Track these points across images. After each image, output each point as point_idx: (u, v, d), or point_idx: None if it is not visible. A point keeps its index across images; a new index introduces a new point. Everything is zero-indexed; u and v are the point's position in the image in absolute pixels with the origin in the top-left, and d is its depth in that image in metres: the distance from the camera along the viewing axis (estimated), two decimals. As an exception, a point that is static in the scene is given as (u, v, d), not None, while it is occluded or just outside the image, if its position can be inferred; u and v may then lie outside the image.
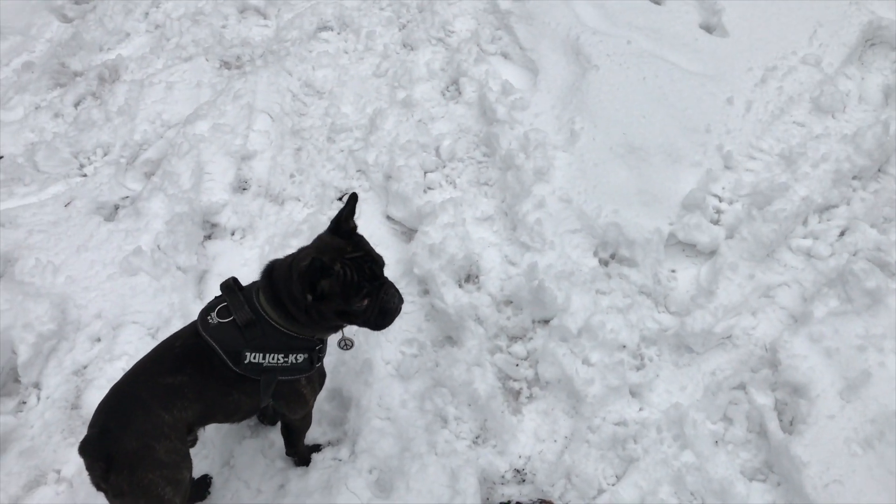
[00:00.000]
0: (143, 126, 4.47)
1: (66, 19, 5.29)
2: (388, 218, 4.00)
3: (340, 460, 3.03)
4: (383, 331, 3.31)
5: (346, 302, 2.42)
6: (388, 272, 3.64)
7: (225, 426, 3.11)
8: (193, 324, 2.57)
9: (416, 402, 3.20)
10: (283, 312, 2.50)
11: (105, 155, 4.35)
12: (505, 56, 4.81)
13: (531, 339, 3.47)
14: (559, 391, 3.27)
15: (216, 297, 2.61)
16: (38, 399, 3.25)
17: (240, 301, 2.54)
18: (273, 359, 2.50)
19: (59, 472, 3.05)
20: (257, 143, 4.27)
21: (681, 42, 4.61)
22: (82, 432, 3.10)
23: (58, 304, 3.44)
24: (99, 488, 2.35)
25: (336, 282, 2.39)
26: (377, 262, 2.51)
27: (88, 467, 2.31)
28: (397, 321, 3.41)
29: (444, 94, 4.63)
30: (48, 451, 3.10)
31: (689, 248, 3.75)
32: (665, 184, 3.88)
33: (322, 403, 3.19)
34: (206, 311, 2.56)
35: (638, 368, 3.34)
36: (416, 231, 3.80)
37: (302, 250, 2.53)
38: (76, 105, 4.67)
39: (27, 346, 3.27)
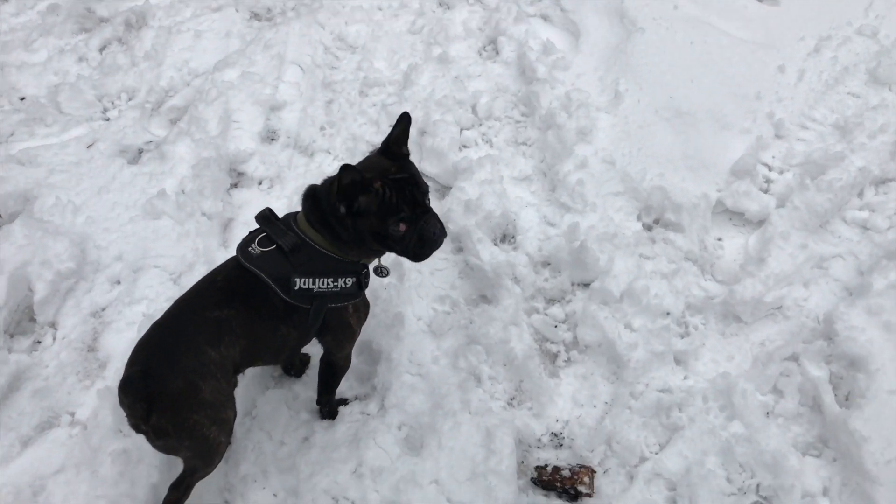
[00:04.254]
0: (170, 72, 4.31)
1: (92, -37, 5.14)
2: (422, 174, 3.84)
3: (369, 415, 2.88)
4: (416, 286, 3.28)
5: (382, 223, 2.29)
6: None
7: (249, 372, 2.96)
8: (232, 258, 2.43)
9: (449, 360, 3.05)
10: (328, 234, 2.39)
11: (130, 99, 4.20)
12: (545, 18, 4.62)
13: (570, 301, 3.31)
14: (599, 355, 3.11)
15: (251, 232, 2.48)
16: (54, 339, 3.11)
17: (281, 228, 2.41)
18: (323, 283, 2.38)
19: (73, 414, 2.91)
20: (287, 94, 4.11)
21: (729, 9, 4.43)
22: (99, 375, 3.02)
23: (77, 244, 3.29)
24: (138, 430, 2.21)
25: (374, 198, 2.26)
26: (420, 187, 2.36)
27: (129, 407, 2.16)
28: (429, 276, 3.36)
29: (480, 54, 4.46)
30: (62, 392, 2.96)
31: (737, 217, 3.58)
32: (713, 149, 3.71)
33: (350, 357, 3.04)
34: (245, 244, 2.42)
35: (682, 336, 3.18)
36: (450, 188, 3.64)
37: (344, 167, 2.39)
38: (101, 50, 4.52)
39: (44, 283, 3.12)
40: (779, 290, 3.18)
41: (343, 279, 2.42)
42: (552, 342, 3.19)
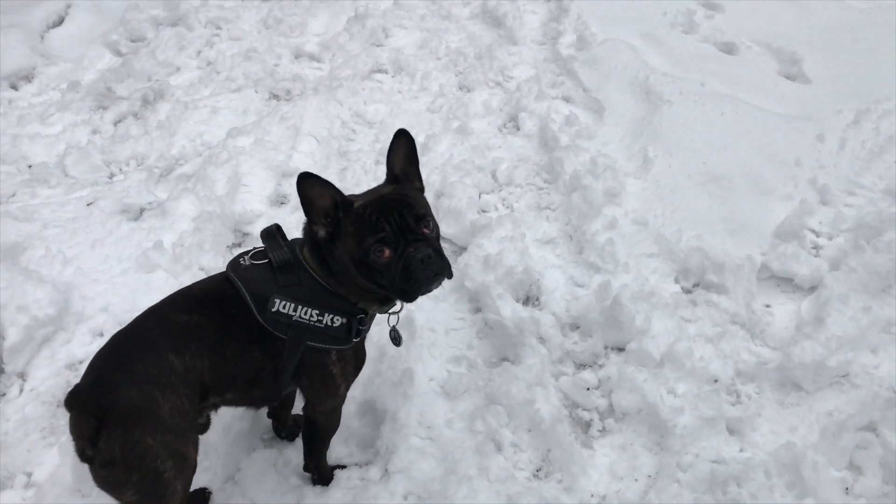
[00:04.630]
0: (182, 142, 4.19)
1: (118, 54, 5.19)
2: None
3: (369, 481, 2.44)
4: (428, 345, 2.93)
5: (359, 245, 1.93)
6: (435, 290, 3.23)
7: (234, 429, 2.57)
8: (221, 272, 2.13)
9: (465, 422, 2.64)
10: (318, 263, 2.06)
11: (138, 165, 4.05)
12: (567, 100, 4.52)
13: (603, 366, 2.92)
14: (639, 423, 2.69)
15: (253, 248, 2.19)
16: (21, 391, 2.75)
17: (279, 244, 2.11)
18: (305, 313, 2.03)
19: (29, 475, 2.50)
20: (301, 162, 3.95)
21: (759, 86, 4.31)
22: (66, 432, 2.62)
23: (61, 292, 3.01)
24: (83, 457, 1.82)
25: (352, 220, 1.95)
26: (414, 208, 1.98)
27: (75, 425, 1.79)
28: (443, 336, 3.01)
29: (500, 130, 4.32)
30: (21, 450, 2.57)
31: (785, 283, 3.24)
32: (753, 213, 3.44)
33: (350, 419, 2.65)
34: (238, 256, 2.13)
35: (733, 405, 2.76)
36: (467, 248, 3.36)
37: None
38: (115, 123, 4.43)
39: (18, 328, 2.81)
40: (843, 354, 2.78)
41: (330, 316, 2.05)
42: (584, 409, 2.78)
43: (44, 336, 2.89)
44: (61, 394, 2.76)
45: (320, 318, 2.04)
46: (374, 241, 1.93)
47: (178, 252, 3.22)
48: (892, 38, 4.68)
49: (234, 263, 2.11)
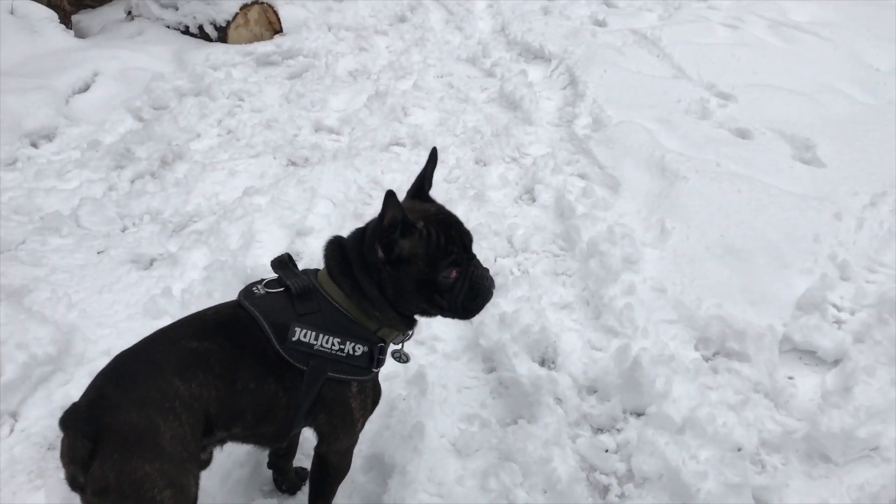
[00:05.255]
0: (198, 200, 4.20)
1: (140, 119, 5.29)
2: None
3: (374, 536, 2.29)
4: (440, 401, 2.81)
5: (432, 268, 1.93)
6: (447, 348, 3.15)
7: (233, 476, 2.42)
8: (233, 300, 2.07)
9: (477, 481, 2.50)
10: (350, 288, 2.00)
11: (152, 220, 4.03)
12: (582, 176, 4.54)
13: (621, 430, 2.79)
14: (660, 489, 2.54)
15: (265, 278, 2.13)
16: (12, 430, 2.63)
17: (294, 272, 2.06)
18: (326, 342, 1.96)
19: (12, 518, 2.36)
20: (315, 222, 3.93)
21: (775, 168, 4.33)
22: (55, 475, 2.50)
23: (64, 333, 2.93)
24: (74, 485, 1.71)
25: (419, 241, 1.92)
26: (462, 225, 2.05)
27: (68, 447, 1.69)
28: (455, 393, 2.91)
29: (517, 201, 4.33)
30: (6, 492, 2.43)
31: (807, 356, 3.14)
32: (773, 285, 3.37)
33: (356, 473, 2.51)
34: (250, 285, 2.07)
35: (759, 474, 2.61)
36: (483, 308, 3.29)
37: (373, 218, 2.08)
38: (132, 181, 4.45)
39: (15, 365, 2.71)
40: (872, 427, 2.66)
41: (352, 344, 1.99)
42: (602, 472, 2.63)
43: (41, 375, 2.79)
44: (53, 436, 2.64)
45: (342, 346, 1.97)
46: (447, 264, 1.94)
47: (186, 299, 3.16)
48: (903, 130, 4.75)
49: (248, 292, 2.05)
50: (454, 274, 1.97)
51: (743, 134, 4.82)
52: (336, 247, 2.09)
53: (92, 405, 1.72)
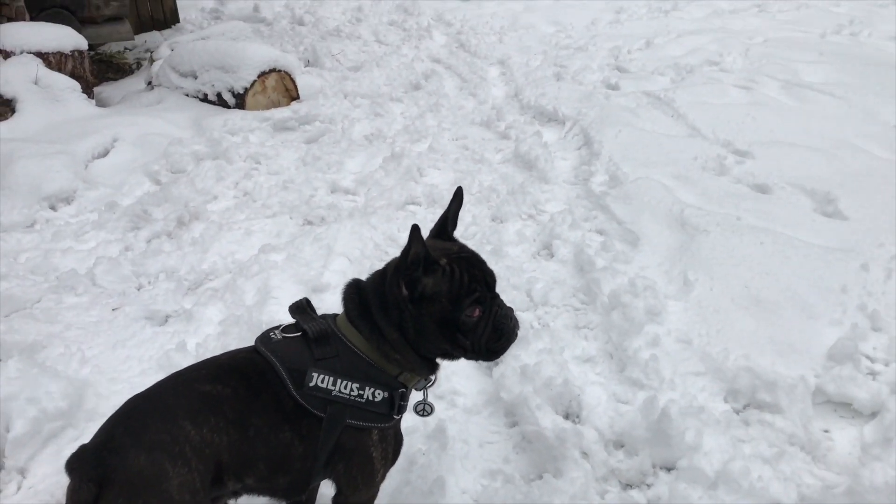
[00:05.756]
0: (214, 258, 4.18)
1: (158, 183, 5.34)
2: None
3: None
4: (461, 457, 2.70)
5: (455, 306, 1.87)
6: (468, 402, 3.06)
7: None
8: (251, 345, 2.01)
9: (502, 538, 2.37)
10: (369, 331, 1.94)
11: (168, 278, 4.01)
12: (600, 232, 4.50)
13: (651, 485, 2.66)
14: (696, 548, 2.39)
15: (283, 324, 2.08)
16: (19, 487, 2.54)
17: (312, 316, 2.01)
18: (345, 388, 1.89)
19: (13, 579, 2.25)
20: (332, 279, 3.90)
21: (796, 222, 4.27)
22: (59, 535, 2.40)
23: (77, 388, 2.86)
24: None
25: (442, 278, 1.87)
26: (485, 264, 1.99)
27: (73, 491, 1.62)
28: (477, 448, 2.80)
29: (535, 257, 4.28)
30: (9, 552, 2.33)
31: (842, 408, 3.01)
32: (803, 335, 3.27)
33: (374, 532, 2.39)
34: (268, 330, 2.02)
35: (801, 533, 2.47)
36: (501, 360, 3.20)
37: (394, 258, 2.04)
38: (148, 241, 4.46)
39: (25, 420, 2.64)
40: (918, 480, 2.52)
41: (371, 389, 1.92)
42: (633, 530, 2.50)
43: (51, 431, 2.71)
44: (61, 494, 2.54)
45: (361, 392, 1.90)
46: (471, 302, 1.88)
47: (201, 353, 3.09)
48: (924, 183, 4.70)
49: (265, 338, 2.00)
50: (477, 313, 1.91)
51: (762, 189, 4.79)
52: (354, 290, 2.04)
53: (99, 448, 1.66)
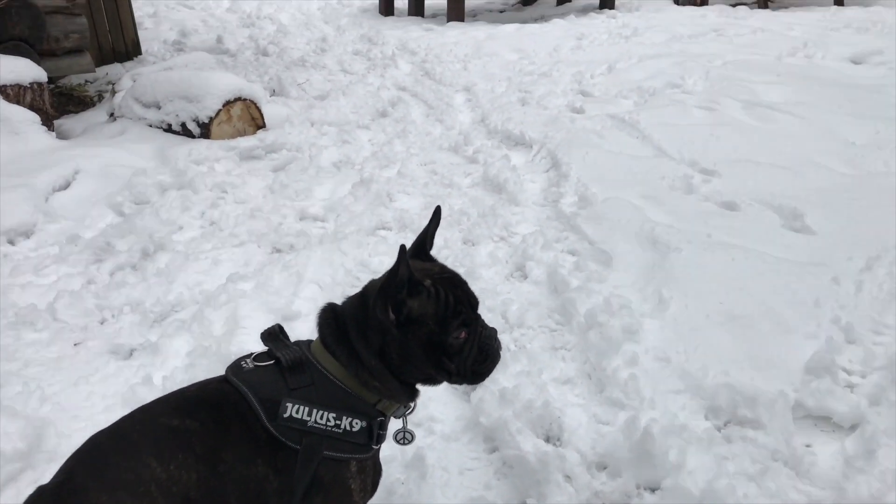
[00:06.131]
0: (180, 289, 4.07)
1: (121, 214, 5.21)
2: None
3: None
4: (441, 485, 2.63)
5: (442, 328, 1.81)
6: (446, 429, 2.98)
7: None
8: (221, 375, 1.92)
9: (486, 569, 2.29)
10: (346, 357, 1.86)
11: (132, 311, 3.89)
12: (573, 253, 4.47)
13: (636, 507, 2.61)
14: (685, 570, 2.34)
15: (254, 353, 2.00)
16: (-26, 534, 2.41)
17: (285, 343, 1.93)
18: (321, 418, 1.80)
19: None
20: (302, 307, 3.82)
21: (765, 238, 4.30)
22: (18, 583, 2.25)
23: (36, 427, 2.73)
24: None
25: (428, 301, 1.81)
26: (467, 284, 1.94)
27: None
28: (457, 476, 2.73)
29: (508, 279, 4.24)
30: None
31: (823, 422, 2.99)
32: (779, 350, 3.27)
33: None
34: (238, 360, 1.93)
35: (789, 550, 2.43)
36: (479, 384, 3.14)
37: (373, 281, 1.97)
38: (112, 273, 4.33)
39: (-19, 463, 2.51)
40: (902, 492, 2.50)
41: (349, 419, 1.83)
42: (620, 554, 2.43)
43: (9, 473, 2.58)
44: (21, 539, 2.41)
45: (338, 421, 1.82)
46: (458, 324, 1.82)
47: (168, 387, 2.98)
48: (886, 197, 4.77)
49: (236, 367, 1.92)
50: (463, 335, 1.86)
51: (730, 206, 4.82)
52: (330, 314, 1.97)
53: (58, 488, 1.56)
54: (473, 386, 3.00)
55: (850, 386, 3.13)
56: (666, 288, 3.71)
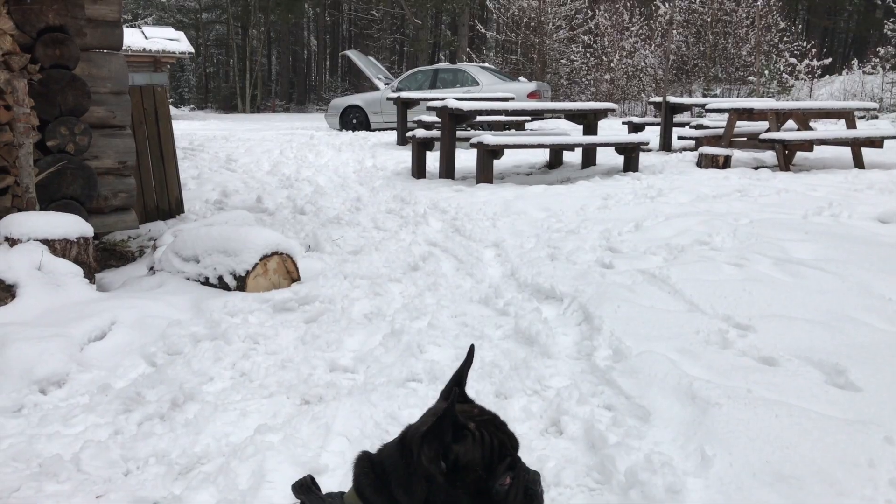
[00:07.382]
0: (207, 440, 3.99)
1: (153, 364, 5.22)
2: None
3: None
4: None
5: (490, 473, 1.74)
6: None
7: None
8: None
9: None
10: None
11: (157, 462, 3.80)
12: (609, 408, 4.36)
13: None
14: None
15: None
16: None
17: (320, 497, 1.87)
18: None
19: None
20: (330, 460, 3.71)
21: (808, 394, 4.16)
22: None
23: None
24: None
25: (474, 446, 1.75)
26: (511, 432, 1.89)
27: None
28: None
29: (543, 434, 4.11)
30: None
31: None
32: (835, 514, 3.07)
33: None
34: None
35: None
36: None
37: (410, 427, 1.92)
38: (140, 424, 4.28)
39: None
40: None
41: None
42: None
43: None
44: None
45: None
46: (504, 468, 1.76)
47: (189, 542, 2.85)
48: (932, 353, 4.65)
49: None
50: (508, 480, 1.78)
51: (768, 361, 4.71)
52: (367, 463, 1.91)
53: None
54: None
55: (918, 556, 2.91)
56: (708, 445, 3.56)
